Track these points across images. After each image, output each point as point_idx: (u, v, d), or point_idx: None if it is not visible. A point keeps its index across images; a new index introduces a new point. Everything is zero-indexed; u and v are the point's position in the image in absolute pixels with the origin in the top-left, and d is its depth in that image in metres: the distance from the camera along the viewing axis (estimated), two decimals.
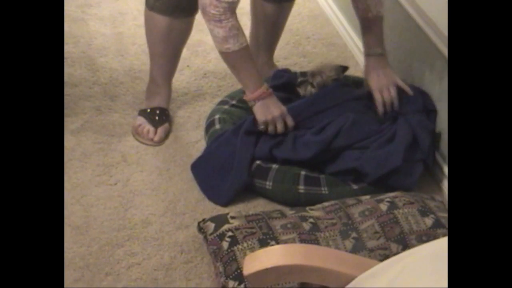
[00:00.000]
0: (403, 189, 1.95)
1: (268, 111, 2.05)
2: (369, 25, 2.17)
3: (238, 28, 1.95)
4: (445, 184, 2.10)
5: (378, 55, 2.18)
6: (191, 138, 2.27)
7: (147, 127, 2.26)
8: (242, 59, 2.02)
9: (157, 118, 2.28)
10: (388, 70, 2.19)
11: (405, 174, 1.99)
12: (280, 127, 2.06)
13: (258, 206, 2.02)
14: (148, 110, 2.30)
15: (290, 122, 2.07)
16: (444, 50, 2.02)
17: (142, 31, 2.79)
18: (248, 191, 2.05)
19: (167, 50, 2.25)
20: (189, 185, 2.08)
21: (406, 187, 1.98)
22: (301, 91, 2.27)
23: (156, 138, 2.25)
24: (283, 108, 2.07)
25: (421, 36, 2.18)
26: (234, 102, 2.28)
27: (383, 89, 2.15)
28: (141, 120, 2.29)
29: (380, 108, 2.15)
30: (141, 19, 2.87)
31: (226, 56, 2.02)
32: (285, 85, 2.26)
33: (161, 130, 2.26)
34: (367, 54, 2.19)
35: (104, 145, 2.22)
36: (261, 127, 2.06)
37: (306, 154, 2.02)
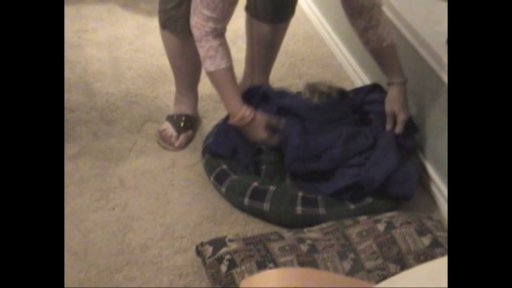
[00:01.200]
0: (403, 196, 2.00)
1: (253, 134, 2.11)
2: (386, 54, 2.13)
3: (217, 50, 1.99)
4: (442, 203, 2.10)
5: (401, 84, 2.15)
6: (188, 161, 2.28)
7: (171, 132, 2.34)
8: (218, 81, 2.06)
9: (182, 124, 2.36)
10: (406, 100, 2.17)
11: (401, 181, 2.01)
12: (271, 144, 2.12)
13: (256, 228, 2.03)
14: (175, 117, 2.39)
15: (274, 143, 2.12)
16: (437, 68, 2.04)
17: (138, 56, 2.82)
18: (245, 213, 2.06)
19: (185, 64, 2.32)
20: (187, 209, 2.09)
21: (405, 194, 2.01)
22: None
23: (177, 144, 2.33)
24: (263, 135, 2.10)
25: (414, 56, 2.20)
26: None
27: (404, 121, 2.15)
28: (166, 125, 2.37)
29: (401, 127, 2.14)
30: (137, 44, 2.90)
31: (208, 76, 2.09)
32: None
33: (183, 136, 2.34)
34: (390, 84, 2.15)
35: (102, 170, 2.23)
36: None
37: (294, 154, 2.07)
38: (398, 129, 2.13)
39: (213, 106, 2.54)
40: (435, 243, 1.74)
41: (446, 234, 1.80)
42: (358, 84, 2.70)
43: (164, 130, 2.36)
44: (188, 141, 2.37)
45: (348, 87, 2.55)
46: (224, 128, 2.19)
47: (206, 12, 1.93)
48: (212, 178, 2.13)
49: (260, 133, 2.10)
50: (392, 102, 2.14)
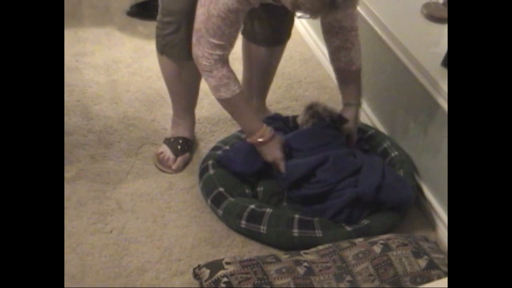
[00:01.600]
0: (402, 202, 2.04)
1: (270, 152, 2.13)
2: (352, 77, 2.22)
3: (229, 77, 2.02)
4: (438, 224, 2.11)
5: (357, 106, 2.24)
6: (186, 184, 2.29)
7: (168, 155, 2.35)
8: (236, 105, 2.10)
9: (179, 147, 2.37)
10: (358, 121, 2.28)
11: (397, 188, 2.04)
12: (279, 170, 2.13)
13: (253, 251, 2.03)
14: (172, 139, 2.40)
15: (281, 170, 2.13)
16: (431, 91, 2.06)
17: (135, 79, 2.84)
18: (242, 236, 2.07)
19: (182, 88, 2.33)
20: (184, 231, 2.09)
21: (403, 199, 2.05)
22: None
23: (175, 167, 2.34)
24: (278, 155, 2.12)
25: (409, 78, 2.21)
26: (227, 147, 2.30)
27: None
28: (163, 148, 2.39)
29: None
30: (134, 67, 2.92)
31: (221, 102, 2.11)
32: (277, 129, 2.28)
33: (180, 159, 2.36)
34: (348, 104, 2.24)
35: (99, 193, 2.23)
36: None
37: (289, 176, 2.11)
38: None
39: (210, 128, 2.55)
40: (431, 265, 1.75)
41: (442, 256, 1.81)
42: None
43: (161, 153, 2.37)
44: (185, 163, 2.38)
45: None
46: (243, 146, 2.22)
47: (213, 40, 1.95)
48: (209, 201, 2.14)
49: (276, 152, 2.12)
50: (351, 122, 2.23)
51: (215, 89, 2.05)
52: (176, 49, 2.17)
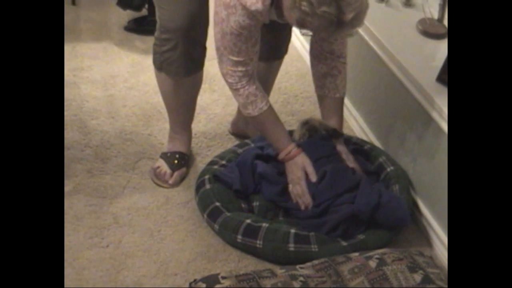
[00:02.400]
0: (397, 222, 2.05)
1: (291, 170, 2.14)
2: (334, 104, 2.23)
3: (256, 95, 2.05)
4: (433, 239, 2.12)
5: (341, 136, 2.25)
6: (182, 198, 2.29)
7: (165, 169, 2.36)
8: (264, 122, 2.13)
9: (175, 162, 2.38)
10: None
11: (393, 208, 2.04)
12: (297, 190, 2.13)
13: (249, 265, 2.04)
14: (168, 154, 2.40)
15: (299, 190, 2.13)
16: (426, 106, 2.07)
17: (132, 93, 2.85)
18: (238, 250, 2.07)
19: (179, 104, 2.35)
20: (180, 246, 2.10)
21: (399, 221, 2.06)
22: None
23: (171, 181, 2.35)
24: (298, 175, 2.13)
25: (404, 93, 2.23)
26: (224, 162, 2.31)
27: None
28: (160, 162, 2.39)
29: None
30: (131, 82, 2.93)
31: (249, 120, 2.15)
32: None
33: (177, 174, 2.36)
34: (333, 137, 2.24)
35: (96, 207, 2.24)
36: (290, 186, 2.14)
37: (294, 204, 2.13)
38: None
39: (207, 143, 2.56)
40: (426, 279, 1.75)
41: (437, 271, 1.81)
42: (349, 119, 2.73)
43: (158, 167, 2.38)
44: (182, 178, 2.38)
45: None
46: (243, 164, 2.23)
47: (233, 58, 1.97)
48: (205, 216, 2.14)
49: (296, 171, 2.13)
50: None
51: (243, 106, 2.08)
52: (173, 66, 2.19)
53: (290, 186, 2.14)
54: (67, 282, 1.94)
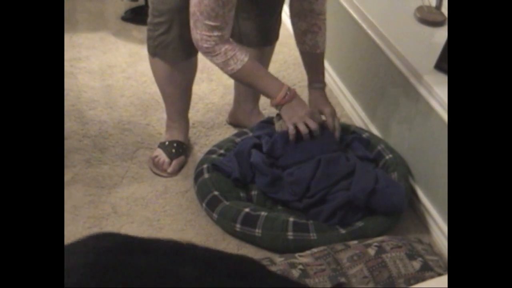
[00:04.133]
0: (393, 208, 2.04)
1: (294, 112, 2.11)
2: (316, 60, 2.25)
3: (234, 49, 2.01)
4: (432, 226, 2.12)
5: (322, 88, 2.27)
6: (181, 188, 2.29)
7: (163, 158, 2.36)
8: (250, 73, 2.08)
9: (173, 150, 2.38)
10: (328, 100, 2.29)
11: (388, 194, 2.04)
12: (309, 124, 2.11)
13: (248, 254, 2.03)
14: (166, 143, 2.40)
15: (312, 124, 2.11)
16: (425, 94, 2.07)
17: (130, 83, 2.85)
18: (237, 239, 2.07)
19: (175, 90, 2.33)
20: (179, 235, 2.10)
21: (394, 207, 2.05)
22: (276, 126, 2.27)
23: (170, 170, 2.35)
24: (307, 108, 2.14)
25: (402, 81, 2.23)
26: (222, 151, 2.31)
27: (335, 115, 2.25)
28: (158, 151, 2.39)
29: (337, 134, 2.23)
30: (129, 72, 2.93)
31: (234, 76, 2.09)
32: (269, 134, 2.28)
33: (175, 162, 2.36)
34: (314, 88, 2.27)
35: (94, 197, 2.24)
36: (291, 127, 2.11)
37: (284, 195, 2.11)
38: (329, 121, 2.22)
39: (205, 132, 2.56)
40: (425, 267, 1.76)
41: (436, 258, 1.82)
42: (348, 108, 2.73)
43: (156, 156, 2.38)
44: (180, 167, 2.39)
45: (338, 111, 2.58)
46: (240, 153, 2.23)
47: (209, 22, 1.94)
48: (204, 205, 2.14)
49: (300, 111, 2.10)
50: (315, 101, 2.25)
51: (224, 65, 2.02)
52: (168, 49, 2.18)
53: (291, 128, 2.12)
54: None
